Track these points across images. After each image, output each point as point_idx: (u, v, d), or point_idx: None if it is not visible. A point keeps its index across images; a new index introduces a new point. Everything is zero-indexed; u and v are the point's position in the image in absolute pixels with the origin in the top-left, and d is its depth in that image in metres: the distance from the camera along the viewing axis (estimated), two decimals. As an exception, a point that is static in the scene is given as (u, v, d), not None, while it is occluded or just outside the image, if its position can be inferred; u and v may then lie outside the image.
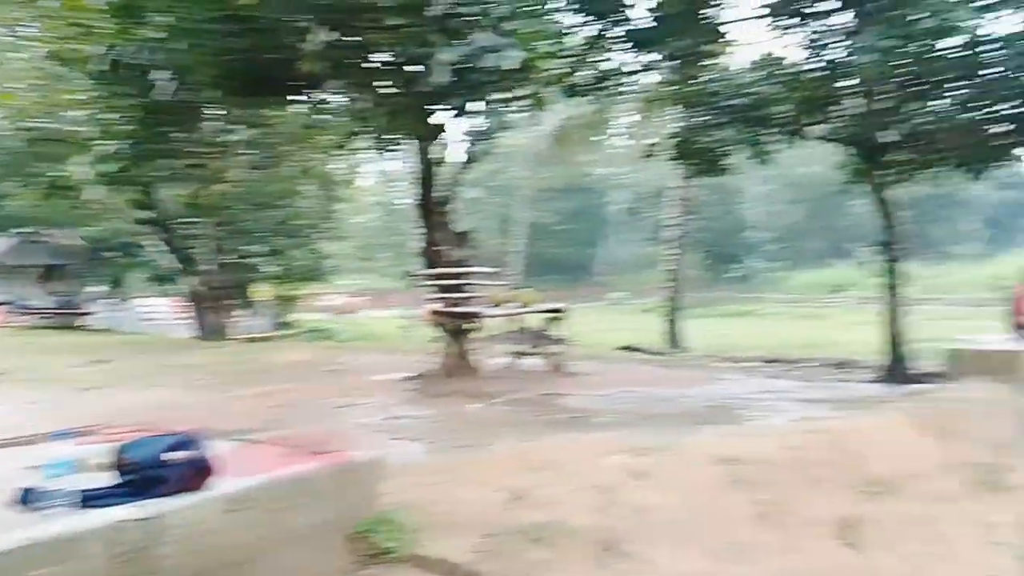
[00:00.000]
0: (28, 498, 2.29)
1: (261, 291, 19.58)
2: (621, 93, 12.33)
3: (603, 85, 11.30)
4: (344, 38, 6.28)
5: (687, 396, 7.45)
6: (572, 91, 11.37)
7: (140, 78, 8.81)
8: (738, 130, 10.96)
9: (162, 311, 21.59)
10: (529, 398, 7.25)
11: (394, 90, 7.48)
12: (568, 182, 42.23)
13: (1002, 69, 9.21)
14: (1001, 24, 9.47)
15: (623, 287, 39.69)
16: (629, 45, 10.73)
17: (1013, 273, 10.53)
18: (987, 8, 9.22)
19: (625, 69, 11.21)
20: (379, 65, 7.10)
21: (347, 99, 9.47)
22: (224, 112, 13.13)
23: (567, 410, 6.72)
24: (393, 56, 6.83)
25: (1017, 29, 9.33)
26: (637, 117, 22.88)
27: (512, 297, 9.60)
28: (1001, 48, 9.21)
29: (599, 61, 10.99)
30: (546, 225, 43.21)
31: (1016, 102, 9.52)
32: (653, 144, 13.19)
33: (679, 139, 11.65)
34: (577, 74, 10.93)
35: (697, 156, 11.75)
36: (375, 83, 7.57)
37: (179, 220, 16.82)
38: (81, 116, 12.74)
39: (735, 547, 3.21)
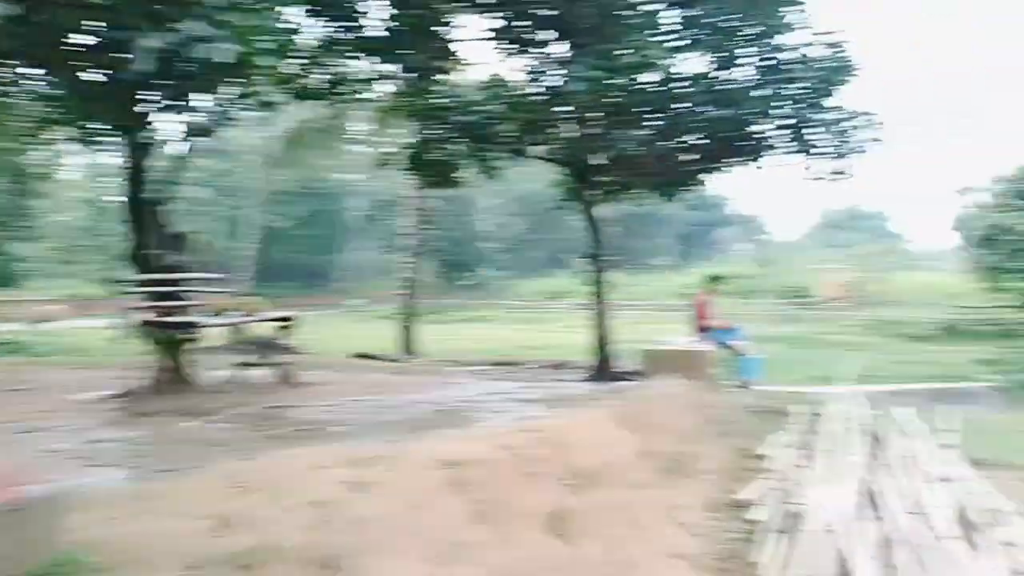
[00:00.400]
0: None
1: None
2: (357, 100, 12.25)
3: (337, 91, 11.16)
4: (31, 14, 5.51)
5: (417, 402, 7.57)
6: (304, 93, 11.08)
7: None
8: (467, 146, 11.43)
9: None
10: (252, 413, 6.89)
11: (94, 76, 6.73)
12: (304, 185, 40.91)
13: (690, 104, 10.59)
14: (690, 64, 10.91)
15: (360, 294, 39.32)
16: (362, 52, 10.72)
17: (697, 282, 12.10)
18: (678, 49, 10.54)
19: (359, 76, 11.17)
20: (76, 47, 6.33)
21: (41, 82, 8.35)
22: None
23: (293, 423, 6.49)
24: (92, 38, 6.13)
25: (701, 70, 10.80)
26: (373, 125, 22.92)
27: (235, 305, 9.09)
28: (690, 86, 10.59)
29: (333, 65, 10.83)
30: (280, 229, 41.46)
31: (701, 134, 11.01)
32: (388, 153, 13.28)
33: (412, 150, 11.86)
34: (310, 77, 10.69)
35: (429, 168, 12.06)
36: (72, 66, 6.74)
37: None
38: None
39: (454, 548, 3.31)
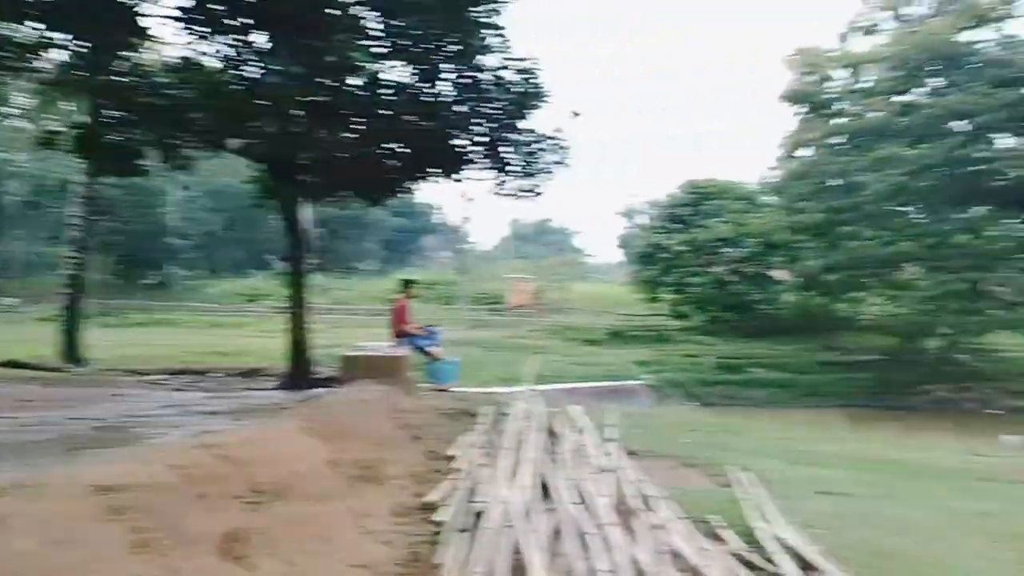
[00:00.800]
0: None
1: None
2: (17, 69, 10.46)
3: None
4: None
5: (77, 418, 6.62)
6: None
7: None
8: (152, 131, 10.38)
9: None
10: None
11: None
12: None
13: (393, 112, 10.66)
14: (396, 73, 10.97)
15: (15, 292, 33.73)
16: (25, 16, 9.20)
17: (396, 288, 12.26)
18: (382, 56, 10.56)
19: (21, 42, 9.55)
20: None
21: None
22: None
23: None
24: None
25: (406, 80, 10.93)
26: (39, 99, 19.87)
27: None
28: (394, 94, 10.66)
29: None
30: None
31: (403, 143, 11.14)
32: (53, 132, 11.57)
33: (83, 131, 10.48)
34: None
35: (105, 152, 10.74)
36: None
37: None
38: None
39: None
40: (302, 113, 10.31)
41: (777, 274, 30.48)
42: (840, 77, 27.80)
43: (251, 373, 12.35)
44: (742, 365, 23.84)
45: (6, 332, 21.19)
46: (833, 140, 27.67)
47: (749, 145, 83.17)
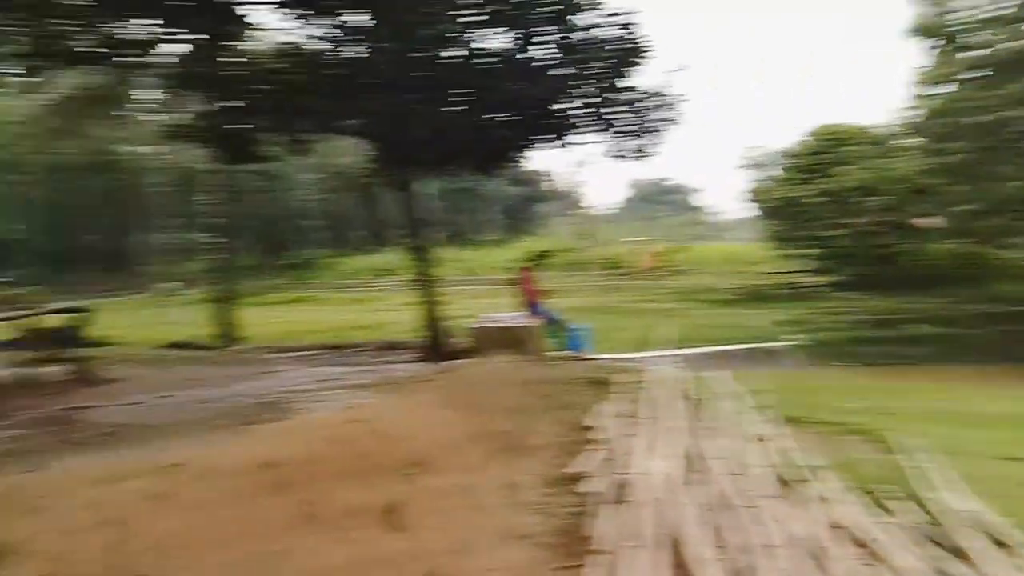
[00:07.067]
0: None
1: None
2: (137, 65, 10.97)
3: (113, 54, 9.94)
4: None
5: (235, 395, 7.01)
6: (72, 57, 9.79)
7: None
8: (268, 118, 10.63)
9: None
10: (44, 416, 6.08)
11: None
12: (92, 159, 36.74)
13: (495, 81, 10.39)
14: (496, 40, 10.67)
15: (170, 277, 36.25)
16: (137, 12, 9.60)
17: (520, 257, 12.17)
18: (477, 24, 10.27)
19: (137, 39, 9.99)
20: None
21: None
22: None
23: (92, 427, 5.78)
24: None
25: (506, 46, 10.63)
26: (165, 94, 20.97)
27: (12, 296, 8.03)
28: (497, 62, 10.40)
29: (104, 27, 9.61)
30: (67, 209, 37.15)
31: (508, 112, 10.86)
32: (179, 125, 12.10)
33: (204, 122, 10.89)
34: (78, 39, 9.45)
35: (224, 141, 11.12)
36: None
37: None
38: None
39: (274, 556, 3.03)
40: (406, 88, 10.24)
41: (919, 222, 28.18)
42: (977, 4, 24.99)
43: (390, 347, 12.62)
44: (895, 321, 22.17)
45: (166, 315, 22.85)
46: (973, 74, 25.00)
47: (867, 86, 76.68)
